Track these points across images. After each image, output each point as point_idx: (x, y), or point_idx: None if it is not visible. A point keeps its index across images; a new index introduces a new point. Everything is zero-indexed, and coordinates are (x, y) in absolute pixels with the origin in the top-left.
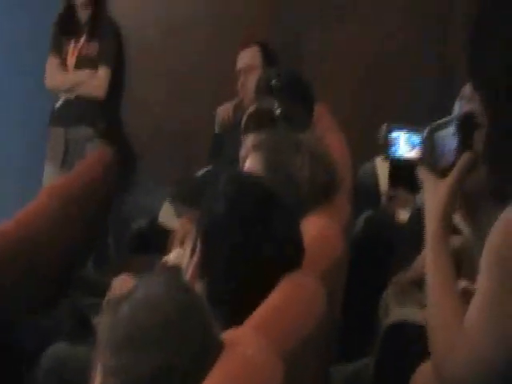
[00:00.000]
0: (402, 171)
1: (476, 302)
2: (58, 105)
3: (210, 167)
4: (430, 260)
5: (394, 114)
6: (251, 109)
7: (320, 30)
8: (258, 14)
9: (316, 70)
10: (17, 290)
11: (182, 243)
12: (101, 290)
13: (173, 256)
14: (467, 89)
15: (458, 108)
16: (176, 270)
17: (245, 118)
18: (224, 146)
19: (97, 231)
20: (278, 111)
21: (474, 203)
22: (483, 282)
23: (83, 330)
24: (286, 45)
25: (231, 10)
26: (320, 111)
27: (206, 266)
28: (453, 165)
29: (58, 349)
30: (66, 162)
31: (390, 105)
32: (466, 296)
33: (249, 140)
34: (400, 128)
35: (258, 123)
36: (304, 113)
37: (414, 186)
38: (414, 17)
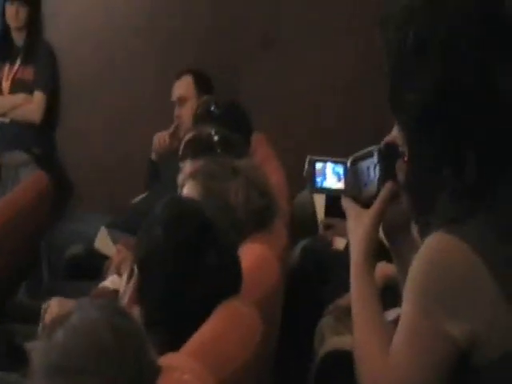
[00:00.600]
0: (337, 200)
1: (400, 331)
2: None
3: (146, 194)
4: (354, 290)
5: (330, 143)
6: (189, 136)
7: (255, 59)
8: (197, 42)
9: (252, 100)
10: None
11: (118, 270)
12: (33, 316)
13: (108, 282)
14: None
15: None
16: (112, 295)
17: (182, 145)
18: (160, 173)
19: (30, 258)
20: (215, 138)
21: (395, 232)
22: (406, 311)
23: (16, 357)
24: (223, 75)
25: (171, 44)
26: (258, 140)
27: (142, 292)
28: (376, 194)
29: None
30: None
31: (326, 133)
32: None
33: (186, 167)
34: (324, 159)
35: (196, 150)
36: (242, 140)
37: None
38: (346, 51)
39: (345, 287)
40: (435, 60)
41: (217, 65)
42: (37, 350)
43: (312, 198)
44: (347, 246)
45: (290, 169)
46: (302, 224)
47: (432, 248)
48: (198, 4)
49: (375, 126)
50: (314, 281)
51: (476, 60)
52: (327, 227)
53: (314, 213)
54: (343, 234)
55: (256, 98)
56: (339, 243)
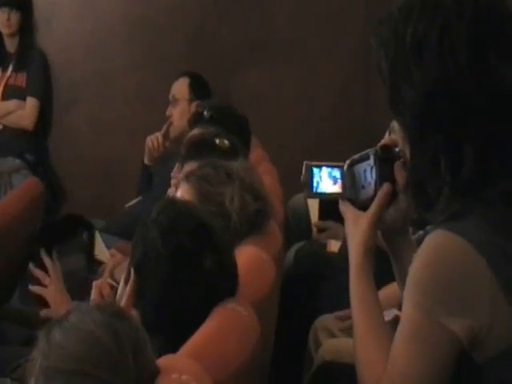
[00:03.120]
0: (331, 204)
1: (400, 331)
2: None
3: (140, 198)
4: (354, 293)
5: (323, 149)
6: (189, 137)
7: (245, 67)
8: (191, 52)
9: (243, 104)
10: None
11: (111, 274)
12: (25, 321)
13: None
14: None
15: None
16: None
17: (183, 146)
18: (153, 177)
19: (22, 264)
20: (218, 141)
21: (393, 234)
22: (407, 311)
23: None
24: (214, 82)
25: (164, 50)
26: (252, 143)
27: (139, 296)
28: (373, 197)
29: None
30: None
31: (318, 139)
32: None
33: (185, 168)
34: (320, 164)
35: (196, 151)
36: (239, 143)
37: (343, 218)
38: (337, 56)
39: (340, 289)
40: (429, 59)
41: (208, 71)
42: (36, 350)
43: (306, 202)
44: (341, 249)
45: (283, 173)
46: (296, 228)
47: (432, 247)
48: (187, 13)
49: (367, 129)
50: (308, 283)
51: (468, 59)
52: (320, 230)
53: (307, 216)
54: (337, 236)
55: (247, 102)
56: (333, 246)
